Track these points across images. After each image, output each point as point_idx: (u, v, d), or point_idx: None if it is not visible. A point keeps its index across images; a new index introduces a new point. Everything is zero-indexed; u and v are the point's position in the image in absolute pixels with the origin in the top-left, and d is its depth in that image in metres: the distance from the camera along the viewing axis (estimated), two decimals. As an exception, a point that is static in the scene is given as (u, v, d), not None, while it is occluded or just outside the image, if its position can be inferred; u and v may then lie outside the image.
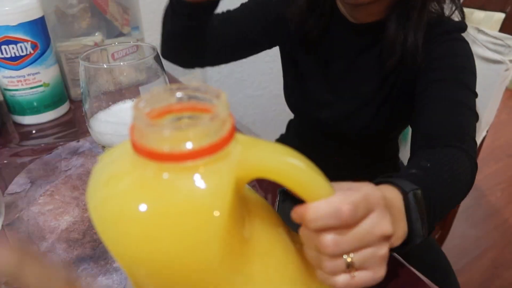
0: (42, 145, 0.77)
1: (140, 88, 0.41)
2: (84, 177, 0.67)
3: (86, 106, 0.45)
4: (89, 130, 0.47)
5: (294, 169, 0.28)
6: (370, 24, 0.72)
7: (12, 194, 0.64)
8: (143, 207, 0.25)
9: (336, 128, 0.80)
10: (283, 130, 1.02)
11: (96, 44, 0.91)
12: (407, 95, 0.70)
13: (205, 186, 0.25)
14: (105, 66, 0.40)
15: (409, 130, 0.97)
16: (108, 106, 0.46)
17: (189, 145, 0.25)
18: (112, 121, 0.45)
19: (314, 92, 0.80)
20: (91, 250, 0.53)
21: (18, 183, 0.66)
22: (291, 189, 0.29)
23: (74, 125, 0.84)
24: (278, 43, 0.85)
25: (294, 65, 0.83)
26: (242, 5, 0.82)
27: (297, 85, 0.83)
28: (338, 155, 0.87)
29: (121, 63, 0.40)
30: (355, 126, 0.77)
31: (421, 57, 0.66)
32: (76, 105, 0.93)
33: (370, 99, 0.75)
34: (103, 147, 0.47)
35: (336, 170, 0.56)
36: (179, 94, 0.27)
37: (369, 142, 0.84)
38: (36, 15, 0.78)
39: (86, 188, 0.28)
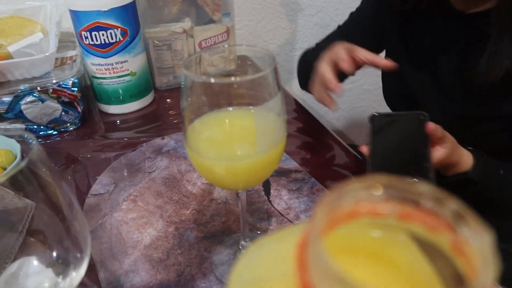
0: (126, 139, 0.73)
1: (253, 109, 0.33)
2: (168, 182, 0.61)
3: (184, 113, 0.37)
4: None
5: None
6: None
7: (96, 195, 0.60)
8: None
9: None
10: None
11: (184, 31, 0.84)
12: None
13: None
14: (213, 81, 0.32)
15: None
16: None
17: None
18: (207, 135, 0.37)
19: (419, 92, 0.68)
20: (176, 276, 0.47)
21: (102, 183, 0.62)
22: None
23: (158, 118, 0.80)
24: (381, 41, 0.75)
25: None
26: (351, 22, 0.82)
27: (399, 84, 0.72)
28: None
29: (232, 79, 0.32)
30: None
31: None
32: (161, 94, 0.88)
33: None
34: None
35: None
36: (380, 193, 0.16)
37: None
38: (127, 0, 0.73)
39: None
